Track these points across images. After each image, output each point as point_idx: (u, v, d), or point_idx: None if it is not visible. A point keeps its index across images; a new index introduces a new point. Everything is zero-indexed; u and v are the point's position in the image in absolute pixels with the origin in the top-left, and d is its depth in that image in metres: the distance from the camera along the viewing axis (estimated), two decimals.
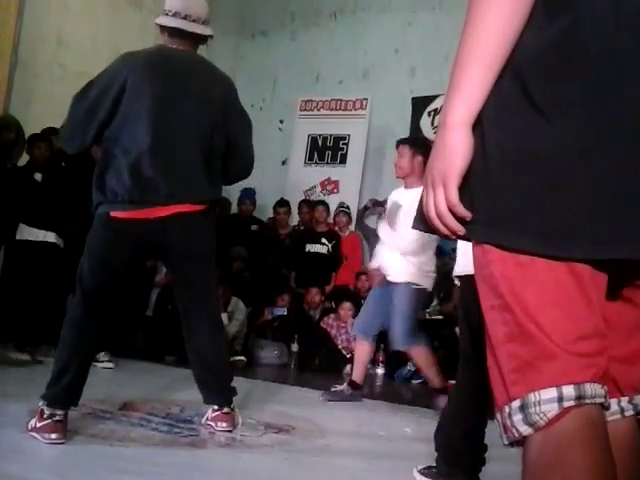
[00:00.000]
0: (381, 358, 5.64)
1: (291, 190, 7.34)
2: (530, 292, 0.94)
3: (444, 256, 5.97)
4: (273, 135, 7.72)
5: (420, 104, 6.80)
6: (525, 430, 0.93)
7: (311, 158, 7.53)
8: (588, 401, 0.91)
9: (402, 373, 5.53)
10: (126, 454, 2.49)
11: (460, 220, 0.98)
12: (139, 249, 2.75)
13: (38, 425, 2.53)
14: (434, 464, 2.43)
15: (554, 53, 0.92)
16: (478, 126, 0.98)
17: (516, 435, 0.95)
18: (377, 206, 4.58)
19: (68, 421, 2.59)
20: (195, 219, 2.75)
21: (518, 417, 0.94)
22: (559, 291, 0.93)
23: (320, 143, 7.50)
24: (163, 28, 2.84)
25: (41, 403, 2.57)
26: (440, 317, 5.83)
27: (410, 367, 5.50)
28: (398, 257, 3.98)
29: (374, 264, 4.23)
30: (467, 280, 2.38)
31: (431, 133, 6.30)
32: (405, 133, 6.26)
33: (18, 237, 4.55)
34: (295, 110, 7.68)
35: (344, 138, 7.39)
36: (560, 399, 0.91)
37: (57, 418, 2.53)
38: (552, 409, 0.91)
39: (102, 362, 4.46)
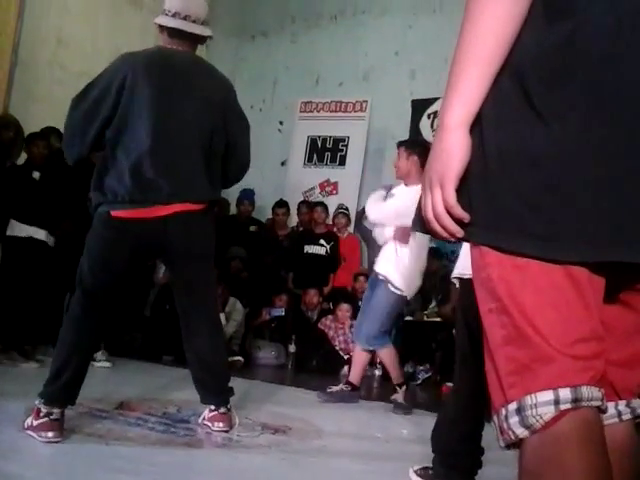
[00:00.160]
0: (378, 359, 5.63)
1: (290, 191, 7.34)
2: (527, 295, 0.94)
3: (442, 258, 5.99)
4: (273, 136, 7.72)
5: (420, 106, 6.81)
6: (522, 432, 0.93)
7: (310, 159, 7.53)
8: (585, 404, 0.91)
9: None
10: (123, 453, 2.49)
11: (459, 222, 0.98)
12: (139, 248, 2.75)
13: (35, 423, 2.53)
14: (430, 465, 2.44)
15: (554, 57, 0.93)
16: (477, 126, 0.99)
17: (513, 437, 0.95)
18: None
19: (65, 420, 2.59)
20: (195, 218, 2.76)
21: (515, 419, 0.94)
22: (556, 294, 0.93)
23: (320, 145, 7.50)
24: (162, 28, 2.85)
25: (38, 401, 2.57)
26: (438, 319, 5.83)
27: (407, 369, 5.50)
28: (392, 247, 4.06)
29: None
30: (466, 283, 2.41)
31: (431, 136, 6.30)
32: (405, 135, 6.27)
33: (8, 233, 4.52)
34: (295, 111, 7.68)
35: (343, 140, 7.39)
36: (557, 402, 0.91)
37: (54, 417, 2.53)
38: (549, 412, 0.91)
39: (99, 361, 4.46)
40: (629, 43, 0.91)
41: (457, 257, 2.70)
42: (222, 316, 4.88)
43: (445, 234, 1.00)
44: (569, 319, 0.93)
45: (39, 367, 4.14)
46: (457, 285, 2.59)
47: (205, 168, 2.78)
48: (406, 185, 4.05)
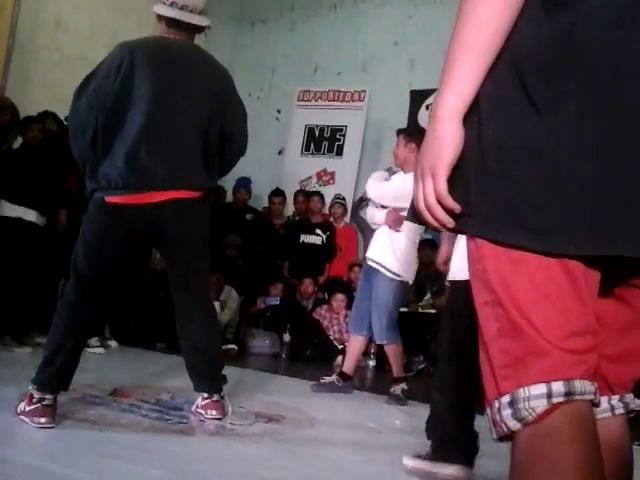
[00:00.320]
0: (372, 350, 5.65)
1: (287, 180, 7.33)
2: (522, 288, 0.94)
3: (437, 250, 5.99)
4: (270, 125, 7.70)
5: (418, 97, 6.80)
6: (514, 425, 0.93)
7: (307, 149, 7.52)
8: (577, 397, 0.91)
9: None
10: (116, 440, 2.49)
11: (453, 213, 0.98)
12: (134, 234, 2.74)
13: (27, 409, 2.53)
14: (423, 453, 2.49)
15: (553, 49, 0.92)
16: (474, 117, 0.98)
17: (505, 430, 0.95)
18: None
19: (58, 405, 2.59)
20: (191, 206, 2.76)
21: (507, 412, 0.94)
22: (551, 288, 0.93)
23: (317, 134, 7.48)
24: (160, 17, 2.84)
25: (31, 387, 2.56)
26: (432, 311, 5.85)
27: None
28: (385, 233, 4.08)
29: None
30: (456, 285, 2.49)
31: None
32: (402, 126, 6.26)
33: None
34: (293, 100, 7.66)
35: (341, 129, 7.38)
36: (549, 395, 0.91)
37: (46, 402, 2.53)
38: (541, 405, 0.91)
39: (93, 347, 4.46)
40: (628, 35, 0.90)
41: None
42: (217, 304, 4.88)
43: (437, 224, 1.00)
44: (563, 313, 0.93)
45: (33, 352, 4.14)
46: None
47: (202, 156, 2.78)
48: (404, 173, 4.07)
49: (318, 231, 6.56)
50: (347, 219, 6.83)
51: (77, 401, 2.91)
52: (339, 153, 7.34)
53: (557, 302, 0.93)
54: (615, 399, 1.08)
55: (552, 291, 0.93)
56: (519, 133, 0.94)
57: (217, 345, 3.05)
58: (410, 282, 4.25)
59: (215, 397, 2.91)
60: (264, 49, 7.94)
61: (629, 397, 1.10)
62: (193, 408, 2.97)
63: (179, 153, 2.72)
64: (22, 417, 2.53)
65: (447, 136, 0.97)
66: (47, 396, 2.54)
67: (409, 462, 2.55)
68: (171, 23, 2.82)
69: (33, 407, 2.52)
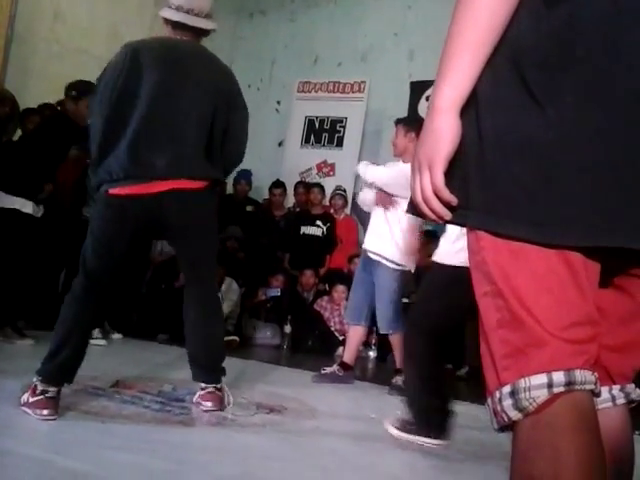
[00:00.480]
0: (373, 341, 5.66)
1: (287, 172, 7.32)
2: (522, 279, 0.94)
3: (438, 241, 5.99)
4: (270, 116, 7.68)
5: (418, 88, 6.77)
6: (515, 415, 0.94)
7: (308, 140, 7.51)
8: (578, 387, 0.92)
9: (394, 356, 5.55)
10: (118, 431, 2.50)
11: (450, 205, 0.98)
12: (138, 225, 2.76)
13: (31, 400, 2.54)
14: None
15: (552, 42, 0.92)
16: (473, 109, 0.98)
17: (506, 420, 0.95)
18: None
19: (60, 397, 2.60)
20: (194, 196, 2.77)
21: (508, 402, 0.94)
22: (551, 278, 0.93)
23: (317, 125, 7.47)
24: (167, 21, 2.90)
25: (35, 379, 2.58)
26: None
27: None
28: (382, 219, 4.08)
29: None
30: (441, 268, 2.76)
31: None
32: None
33: None
34: (293, 91, 7.64)
35: (341, 121, 7.36)
36: (550, 385, 0.91)
37: (50, 395, 2.55)
38: (542, 395, 0.91)
39: (95, 339, 4.46)
40: (627, 26, 0.90)
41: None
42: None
43: (434, 217, 1.01)
44: (563, 303, 0.93)
45: (34, 344, 4.15)
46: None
47: (205, 148, 2.80)
48: (404, 163, 4.04)
49: (318, 222, 6.56)
50: (347, 210, 6.83)
51: (79, 393, 2.91)
52: (339, 144, 7.32)
53: (557, 293, 0.93)
54: (616, 389, 1.08)
55: (552, 282, 0.93)
56: (518, 126, 0.94)
57: (219, 336, 3.05)
58: (412, 270, 4.23)
59: (211, 388, 2.92)
60: (264, 40, 7.92)
61: (630, 387, 1.10)
62: (194, 399, 2.98)
63: (181, 144, 2.74)
64: (25, 408, 2.54)
65: (444, 129, 0.97)
66: (51, 389, 2.55)
67: (392, 430, 2.78)
68: (177, 26, 2.87)
69: (36, 399, 2.53)
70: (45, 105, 5.05)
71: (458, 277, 2.66)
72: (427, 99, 6.70)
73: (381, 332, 4.38)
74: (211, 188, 2.86)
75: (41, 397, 2.53)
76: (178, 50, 2.85)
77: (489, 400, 0.99)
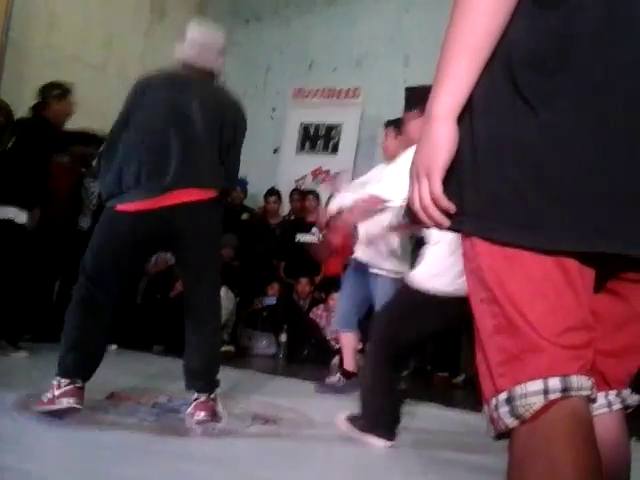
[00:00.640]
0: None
1: (282, 179, 7.32)
2: (517, 285, 0.94)
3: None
4: (265, 123, 7.68)
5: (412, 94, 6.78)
6: (511, 422, 0.93)
7: (303, 147, 7.51)
8: (574, 393, 0.91)
9: None
10: (114, 443, 2.48)
11: (448, 213, 0.98)
12: (147, 239, 2.82)
13: (56, 393, 2.61)
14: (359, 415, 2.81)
15: (545, 45, 0.92)
16: (467, 114, 0.98)
17: (503, 427, 0.95)
18: None
19: (55, 410, 2.59)
20: (202, 208, 2.83)
21: (505, 409, 0.94)
22: (546, 284, 0.93)
23: (312, 132, 7.47)
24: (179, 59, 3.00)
25: (55, 381, 2.64)
26: None
27: None
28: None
29: (333, 208, 3.91)
30: (408, 288, 2.82)
31: None
32: None
33: None
34: (287, 98, 7.65)
35: (336, 127, 7.37)
36: (546, 391, 0.91)
37: (78, 385, 2.66)
38: (538, 401, 0.91)
39: None
40: (622, 28, 0.90)
41: None
42: None
43: (432, 224, 1.01)
44: (559, 309, 0.93)
45: (29, 356, 4.13)
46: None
47: (212, 161, 2.87)
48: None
49: (314, 230, 6.55)
50: None
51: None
52: (334, 151, 7.33)
53: (552, 298, 0.93)
54: (612, 394, 1.08)
55: (547, 287, 0.93)
56: (511, 130, 0.94)
57: (216, 348, 3.05)
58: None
59: (203, 398, 2.88)
60: (258, 46, 7.93)
61: (626, 392, 1.10)
62: (188, 410, 2.96)
63: (190, 154, 2.81)
64: (46, 407, 2.60)
65: (442, 137, 0.97)
66: (77, 380, 2.65)
67: (342, 423, 2.85)
68: (188, 63, 2.96)
69: (63, 390, 2.62)
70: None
71: (429, 303, 2.72)
72: None
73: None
74: (219, 199, 2.92)
75: (70, 387, 2.63)
76: (190, 80, 2.94)
77: (485, 407, 0.98)
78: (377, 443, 2.78)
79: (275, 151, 7.74)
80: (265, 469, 2.39)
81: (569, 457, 0.89)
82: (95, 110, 6.30)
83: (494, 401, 0.95)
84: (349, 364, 4.25)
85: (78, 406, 2.63)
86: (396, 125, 4.08)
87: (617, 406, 1.09)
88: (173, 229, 2.80)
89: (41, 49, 6.18)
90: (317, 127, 7.47)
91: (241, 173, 6.83)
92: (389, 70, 7.05)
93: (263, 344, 5.95)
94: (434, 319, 2.79)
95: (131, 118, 2.82)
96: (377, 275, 4.02)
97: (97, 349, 2.78)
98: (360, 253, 4.12)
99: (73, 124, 5.59)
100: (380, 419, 2.82)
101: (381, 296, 4.01)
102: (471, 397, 4.41)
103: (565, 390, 0.91)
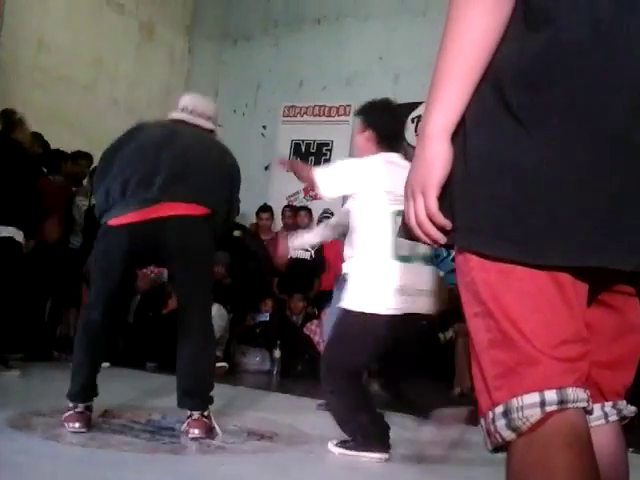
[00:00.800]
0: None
1: (274, 196, 7.33)
2: (511, 299, 0.95)
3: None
4: (256, 141, 7.71)
5: (404, 111, 6.81)
6: (508, 435, 0.93)
7: None
8: (570, 405, 0.92)
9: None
10: (107, 461, 2.46)
11: (444, 229, 0.99)
12: (135, 253, 2.85)
13: (64, 416, 2.75)
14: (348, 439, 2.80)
15: (535, 64, 0.93)
16: (461, 132, 0.99)
17: (500, 440, 0.95)
18: None
19: (48, 427, 2.57)
20: (192, 224, 2.86)
21: (501, 422, 0.94)
22: (540, 298, 0.94)
23: (303, 149, 7.50)
24: (172, 121, 3.14)
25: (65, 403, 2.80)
26: (423, 322, 5.83)
27: None
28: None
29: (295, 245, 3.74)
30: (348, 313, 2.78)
31: (415, 140, 6.32)
32: None
33: None
34: (278, 116, 7.68)
35: (327, 144, 7.40)
36: (542, 404, 0.91)
37: (79, 409, 2.77)
38: (535, 414, 0.91)
39: None
40: (610, 48, 0.91)
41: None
42: None
43: (428, 241, 1.02)
44: (553, 322, 0.93)
45: (21, 375, 4.10)
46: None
47: (203, 180, 2.92)
48: None
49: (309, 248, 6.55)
50: None
51: None
52: None
53: (547, 311, 0.94)
54: (608, 406, 1.08)
55: (541, 301, 0.94)
56: (503, 148, 0.95)
57: (209, 365, 3.04)
58: None
59: (196, 415, 2.86)
60: (248, 65, 7.97)
61: (622, 404, 1.10)
62: (182, 428, 2.94)
63: (179, 171, 2.86)
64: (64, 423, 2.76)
65: (436, 155, 0.99)
66: (79, 404, 2.77)
67: (335, 449, 2.81)
68: (179, 122, 3.09)
69: (68, 414, 2.76)
70: (31, 134, 5.02)
71: (366, 324, 2.71)
72: (413, 121, 6.76)
73: None
74: (210, 217, 2.93)
75: (71, 412, 2.75)
76: (180, 125, 3.07)
77: (482, 421, 0.98)
78: (374, 458, 2.76)
79: (266, 168, 7.75)
80: None
81: (566, 469, 0.89)
82: (85, 129, 6.32)
83: (490, 414, 0.95)
84: None
85: (82, 430, 2.73)
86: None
87: (613, 417, 1.09)
88: (161, 242, 2.81)
89: (30, 69, 6.19)
90: (308, 144, 7.49)
91: None
92: (379, 87, 7.07)
93: (257, 360, 5.93)
94: (374, 341, 2.76)
95: (124, 146, 2.92)
96: None
97: (94, 372, 2.87)
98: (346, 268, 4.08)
99: (63, 142, 5.60)
100: (369, 435, 2.78)
101: None
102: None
103: (561, 402, 0.91)
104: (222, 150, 3.13)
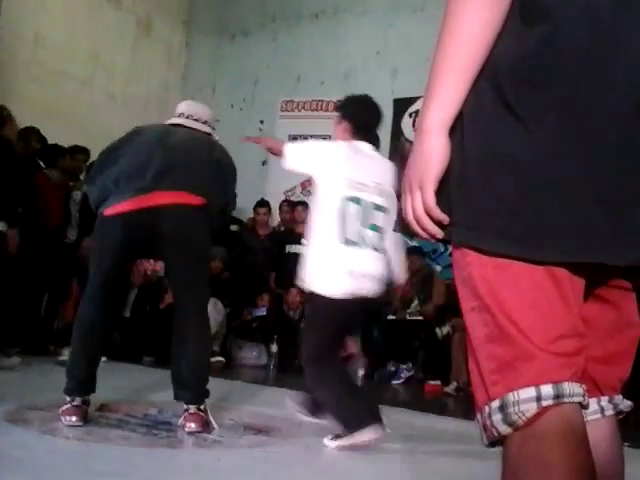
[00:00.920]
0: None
1: (271, 190, 7.32)
2: (508, 294, 0.95)
3: (424, 257, 6.01)
4: (253, 135, 7.69)
5: (401, 105, 6.83)
6: (504, 430, 0.94)
7: None
8: (567, 400, 0.92)
9: (382, 373, 5.55)
10: (104, 455, 2.47)
11: (441, 224, 0.99)
12: (130, 242, 2.86)
13: (61, 410, 2.75)
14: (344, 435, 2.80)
15: (532, 60, 0.93)
16: (458, 127, 0.99)
17: (496, 435, 0.95)
18: None
19: (44, 422, 2.57)
20: (186, 213, 2.87)
21: (498, 417, 0.94)
22: (537, 293, 0.94)
23: None
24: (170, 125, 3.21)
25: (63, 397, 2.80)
26: (420, 318, 5.85)
27: (390, 368, 5.52)
28: None
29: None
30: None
31: (412, 134, 6.32)
32: (386, 134, 6.27)
33: None
34: (276, 110, 7.67)
35: (325, 139, 7.38)
36: (539, 398, 0.91)
37: (75, 403, 2.78)
38: (531, 408, 0.91)
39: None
40: (608, 44, 0.91)
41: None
42: None
43: (426, 235, 1.02)
44: (550, 317, 0.94)
45: (17, 369, 4.10)
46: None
47: (198, 171, 2.95)
48: None
49: (304, 241, 6.55)
50: None
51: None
52: None
53: (543, 306, 0.94)
54: (604, 400, 1.09)
55: (538, 296, 0.94)
56: (501, 143, 0.95)
57: (206, 358, 3.04)
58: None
59: (192, 409, 2.87)
60: (246, 60, 7.96)
61: (618, 398, 1.10)
62: (179, 422, 2.95)
63: (173, 163, 2.89)
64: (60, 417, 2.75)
65: (434, 150, 0.99)
66: (76, 398, 2.78)
67: (331, 443, 2.82)
68: (176, 125, 3.15)
69: (64, 407, 2.76)
70: (27, 129, 5.02)
71: (318, 305, 2.85)
72: (410, 116, 6.76)
73: None
74: (207, 207, 2.93)
75: (68, 406, 2.76)
76: (179, 130, 3.12)
77: (478, 415, 0.98)
78: (370, 435, 2.75)
79: (264, 163, 7.75)
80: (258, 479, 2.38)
81: (562, 463, 0.89)
82: (82, 124, 6.31)
83: (487, 409, 0.95)
84: None
85: (78, 424, 2.73)
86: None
87: (609, 412, 1.09)
88: (157, 232, 2.82)
89: (27, 64, 6.18)
90: (306, 139, 7.48)
91: None
92: (377, 82, 7.09)
93: (254, 355, 5.93)
94: (331, 318, 2.87)
95: (122, 146, 2.98)
96: None
97: (91, 366, 2.87)
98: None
99: (60, 137, 5.59)
100: (359, 413, 2.81)
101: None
102: (463, 405, 4.42)
103: (557, 397, 0.91)
104: (217, 146, 3.16)
